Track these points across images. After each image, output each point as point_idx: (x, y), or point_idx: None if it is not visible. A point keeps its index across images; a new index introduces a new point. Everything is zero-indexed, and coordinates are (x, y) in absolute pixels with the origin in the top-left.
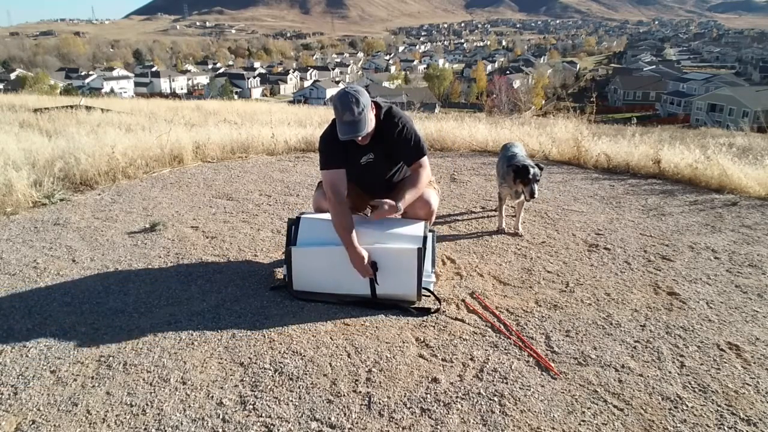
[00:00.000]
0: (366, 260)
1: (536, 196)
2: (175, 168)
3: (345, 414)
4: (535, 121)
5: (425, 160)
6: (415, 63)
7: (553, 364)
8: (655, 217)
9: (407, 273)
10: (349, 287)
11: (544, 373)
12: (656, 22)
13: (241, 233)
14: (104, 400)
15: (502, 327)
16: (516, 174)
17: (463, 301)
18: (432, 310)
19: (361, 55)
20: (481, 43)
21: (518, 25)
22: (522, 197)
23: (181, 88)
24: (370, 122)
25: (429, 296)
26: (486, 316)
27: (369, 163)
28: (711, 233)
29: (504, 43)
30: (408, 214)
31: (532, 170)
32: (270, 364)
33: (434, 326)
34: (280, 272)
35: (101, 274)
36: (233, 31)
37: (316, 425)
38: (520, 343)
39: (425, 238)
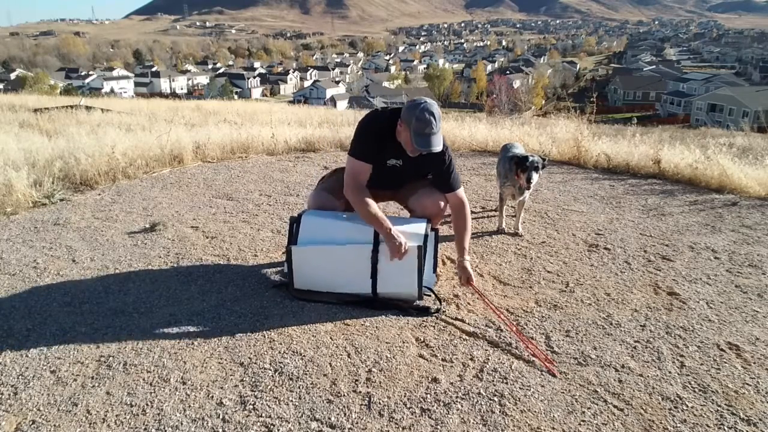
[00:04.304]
0: (403, 247)
1: (533, 182)
2: (175, 168)
3: (345, 414)
4: (535, 121)
5: (462, 192)
6: (415, 63)
7: (553, 365)
8: (655, 217)
9: (408, 271)
10: (350, 286)
11: (544, 373)
12: (656, 22)
13: (241, 233)
14: (104, 400)
15: (502, 327)
16: (518, 165)
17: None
18: (432, 310)
19: (361, 55)
20: (481, 43)
21: (518, 25)
22: (524, 195)
23: (181, 88)
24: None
25: (430, 295)
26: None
27: (394, 167)
28: (711, 233)
29: (504, 43)
30: (417, 212)
31: (530, 158)
32: (270, 364)
33: (434, 326)
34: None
35: (101, 274)
36: (233, 31)
37: (316, 425)
38: (520, 343)
39: (426, 236)
